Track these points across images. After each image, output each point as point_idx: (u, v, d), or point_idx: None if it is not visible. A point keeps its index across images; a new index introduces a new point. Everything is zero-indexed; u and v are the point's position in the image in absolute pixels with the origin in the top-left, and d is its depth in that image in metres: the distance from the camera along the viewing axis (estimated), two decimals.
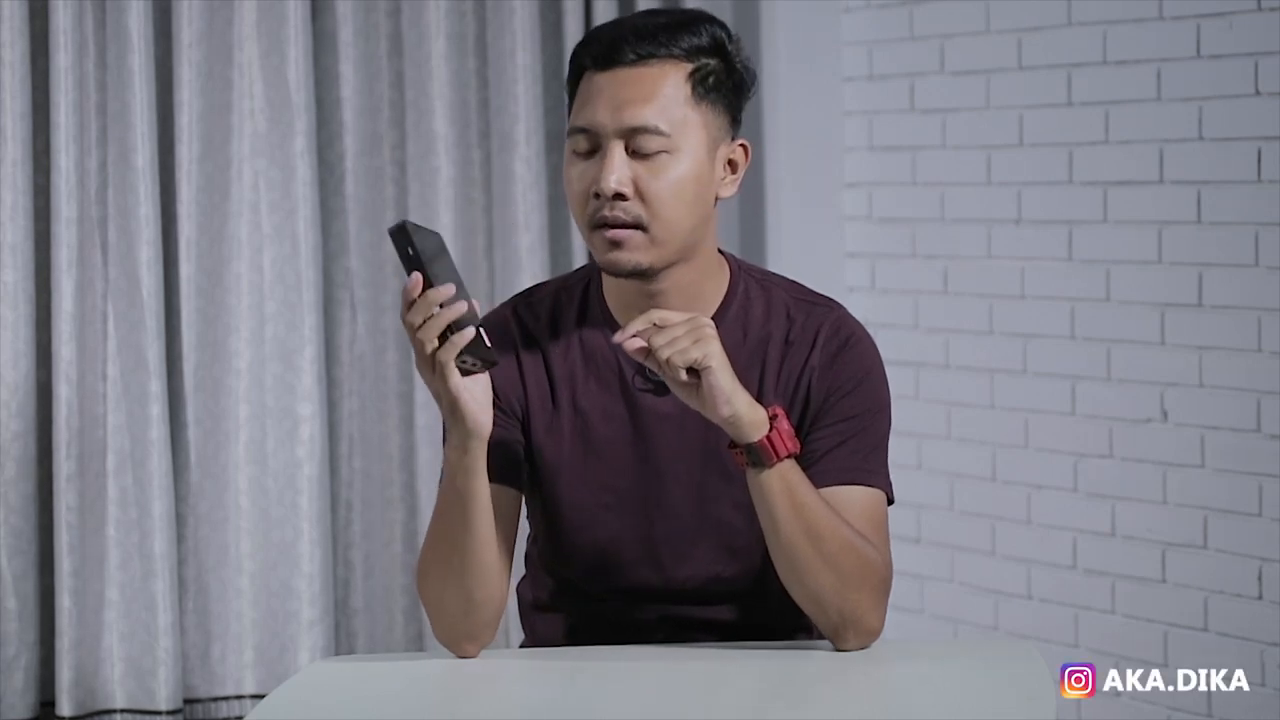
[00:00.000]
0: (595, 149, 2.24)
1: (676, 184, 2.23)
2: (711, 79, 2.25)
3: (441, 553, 2.24)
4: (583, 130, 2.24)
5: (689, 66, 2.24)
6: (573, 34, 4.07)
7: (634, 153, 2.22)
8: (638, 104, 2.22)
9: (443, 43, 3.98)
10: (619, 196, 2.21)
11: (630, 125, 2.22)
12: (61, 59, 3.60)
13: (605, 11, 4.07)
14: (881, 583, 2.24)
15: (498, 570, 2.25)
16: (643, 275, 2.25)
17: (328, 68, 3.93)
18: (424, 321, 2.10)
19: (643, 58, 2.23)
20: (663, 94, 2.22)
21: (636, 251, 2.23)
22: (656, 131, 2.22)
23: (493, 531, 2.23)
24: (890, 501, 2.31)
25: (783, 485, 2.18)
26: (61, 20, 3.60)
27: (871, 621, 2.23)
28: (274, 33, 3.80)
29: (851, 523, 2.23)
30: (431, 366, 2.13)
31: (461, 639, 2.26)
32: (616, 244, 2.23)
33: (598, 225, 2.23)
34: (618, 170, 2.21)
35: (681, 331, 2.14)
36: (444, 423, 2.20)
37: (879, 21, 4.16)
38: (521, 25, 3.99)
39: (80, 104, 3.66)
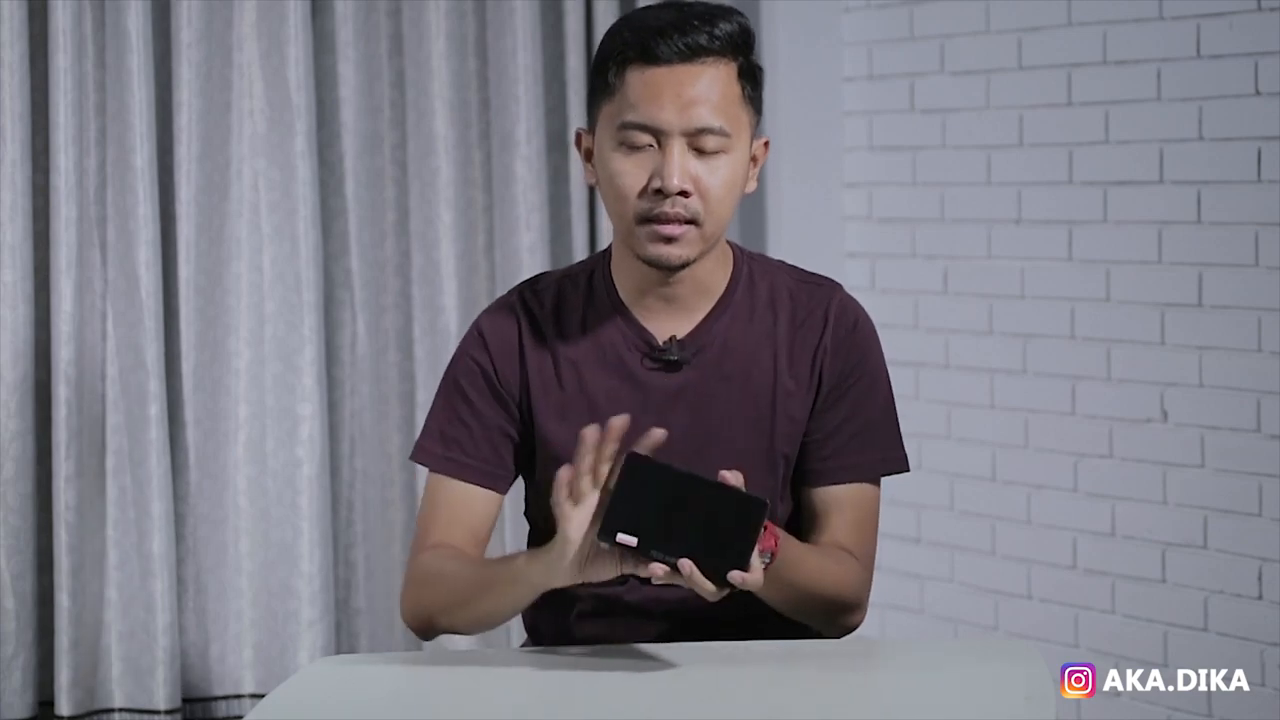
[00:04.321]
0: (648, 144, 2.23)
1: (730, 182, 2.25)
2: (751, 77, 2.27)
3: (476, 615, 2.27)
4: (642, 127, 2.23)
5: (735, 65, 2.25)
6: (573, 34, 4.07)
7: (694, 150, 2.23)
8: (704, 105, 2.22)
9: (443, 43, 3.98)
10: (682, 194, 2.22)
11: (699, 126, 2.22)
12: (61, 59, 3.60)
13: (605, 12, 4.07)
14: (861, 590, 2.34)
15: None
16: (685, 268, 2.27)
17: (328, 68, 3.93)
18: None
19: (696, 53, 2.22)
20: (724, 94, 2.23)
21: (687, 247, 2.25)
22: (721, 132, 2.23)
23: None
24: (907, 468, 2.38)
25: (776, 577, 2.21)
26: (61, 21, 3.60)
27: (854, 621, 2.35)
28: (274, 33, 3.80)
29: (842, 527, 2.33)
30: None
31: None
32: (669, 239, 2.24)
33: (651, 220, 2.24)
34: (683, 168, 2.22)
35: None
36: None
37: (879, 21, 4.16)
38: (522, 25, 3.99)
39: (80, 104, 3.66)
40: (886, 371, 2.39)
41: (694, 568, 2.02)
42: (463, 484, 2.35)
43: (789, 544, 2.24)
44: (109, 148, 3.69)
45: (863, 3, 4.19)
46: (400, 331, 4.01)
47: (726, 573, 2.03)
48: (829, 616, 2.32)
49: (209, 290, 3.80)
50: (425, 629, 2.32)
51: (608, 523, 2.04)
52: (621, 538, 2.03)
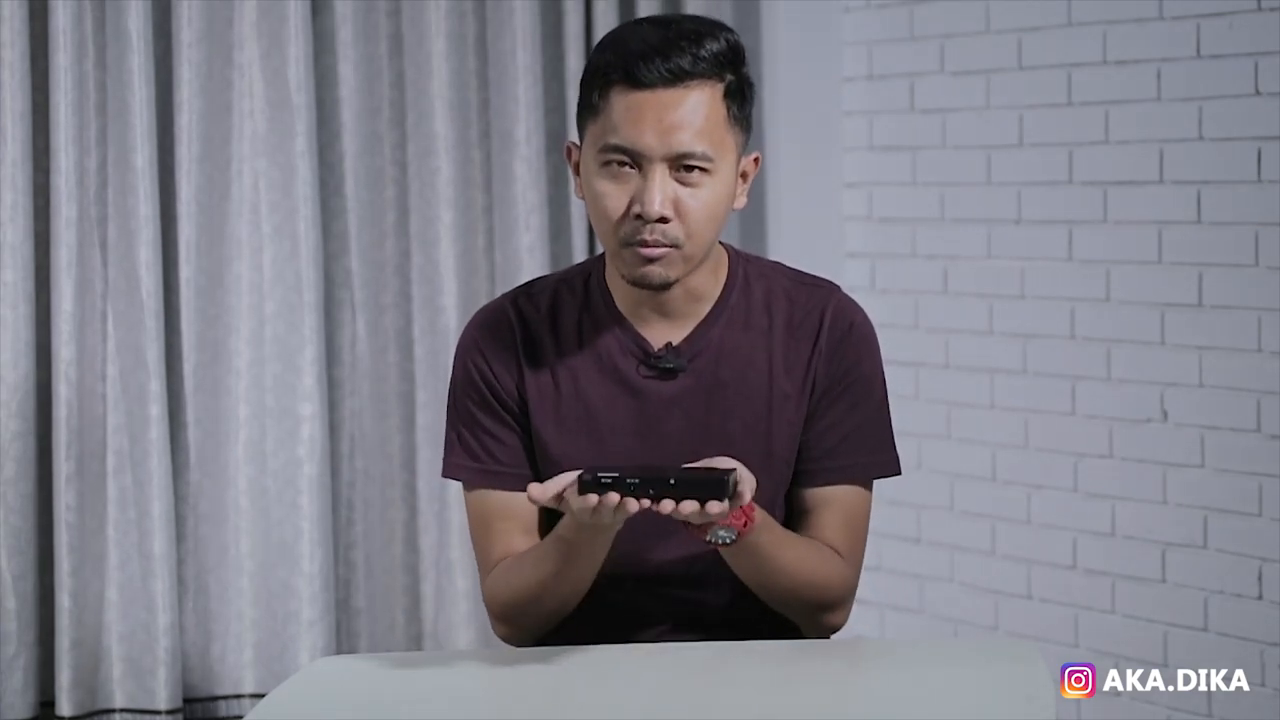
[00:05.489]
0: (630, 167, 2.22)
1: (712, 205, 2.24)
2: (739, 96, 2.25)
3: (559, 601, 2.31)
4: (623, 150, 2.22)
5: (721, 85, 2.23)
6: (573, 34, 4.07)
7: (676, 174, 2.22)
8: (685, 130, 2.20)
9: (443, 43, 3.98)
10: (662, 220, 2.22)
11: (680, 151, 2.21)
12: (61, 59, 3.60)
13: (605, 13, 4.07)
14: (844, 588, 2.34)
15: None
16: (669, 287, 2.26)
17: (328, 68, 3.93)
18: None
19: (679, 77, 2.20)
20: (708, 117, 2.21)
21: (670, 268, 2.25)
22: (704, 157, 2.21)
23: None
24: (898, 471, 2.37)
25: (748, 557, 2.24)
26: (61, 20, 3.60)
27: (836, 620, 2.35)
28: (274, 33, 3.80)
29: (830, 526, 2.33)
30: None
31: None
32: (650, 260, 2.23)
33: (632, 243, 2.23)
34: (664, 194, 2.21)
35: None
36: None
37: (879, 21, 4.16)
38: (521, 25, 3.99)
39: (80, 104, 3.66)
40: (883, 373, 2.38)
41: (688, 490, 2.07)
42: (504, 492, 2.35)
43: (770, 525, 2.25)
44: (109, 148, 3.69)
45: (863, 3, 4.19)
46: (400, 331, 4.01)
47: (709, 499, 2.06)
48: (809, 610, 2.32)
49: (209, 290, 3.80)
50: (532, 641, 2.35)
51: (585, 474, 2.09)
52: (602, 475, 2.08)
